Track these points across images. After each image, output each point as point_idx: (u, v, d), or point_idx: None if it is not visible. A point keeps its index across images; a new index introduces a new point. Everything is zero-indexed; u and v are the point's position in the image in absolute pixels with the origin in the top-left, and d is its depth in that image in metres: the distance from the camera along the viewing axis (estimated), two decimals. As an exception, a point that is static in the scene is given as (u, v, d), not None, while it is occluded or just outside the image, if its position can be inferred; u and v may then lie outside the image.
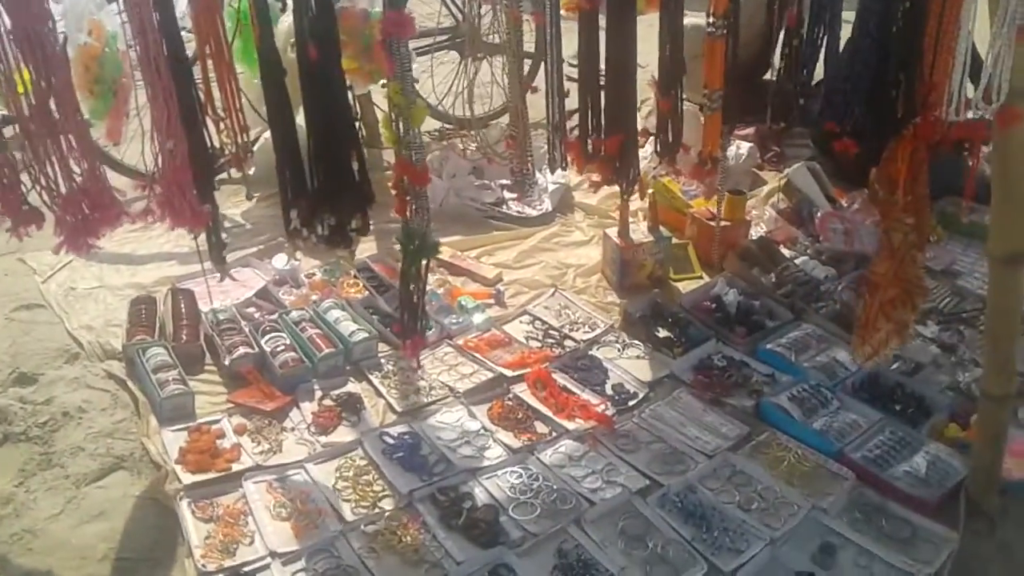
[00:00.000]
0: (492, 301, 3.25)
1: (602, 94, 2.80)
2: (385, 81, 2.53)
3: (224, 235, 2.71)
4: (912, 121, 2.13)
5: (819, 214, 3.58)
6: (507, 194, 3.95)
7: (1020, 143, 1.92)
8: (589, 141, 2.88)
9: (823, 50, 3.02)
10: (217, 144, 2.52)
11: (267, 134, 2.95)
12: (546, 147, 3.05)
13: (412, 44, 4.50)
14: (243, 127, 2.54)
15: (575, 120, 2.91)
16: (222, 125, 2.51)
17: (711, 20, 2.86)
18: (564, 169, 3.12)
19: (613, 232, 3.33)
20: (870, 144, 2.22)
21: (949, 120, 2.02)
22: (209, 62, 2.39)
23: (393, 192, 2.32)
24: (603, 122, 2.83)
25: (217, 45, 2.37)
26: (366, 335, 2.90)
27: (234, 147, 2.54)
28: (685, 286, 3.35)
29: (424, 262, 2.37)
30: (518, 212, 3.86)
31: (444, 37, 4.55)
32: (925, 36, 2.02)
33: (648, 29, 2.91)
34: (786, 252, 3.46)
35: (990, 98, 1.88)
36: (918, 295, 2.41)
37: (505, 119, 3.87)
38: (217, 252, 2.66)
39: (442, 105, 4.48)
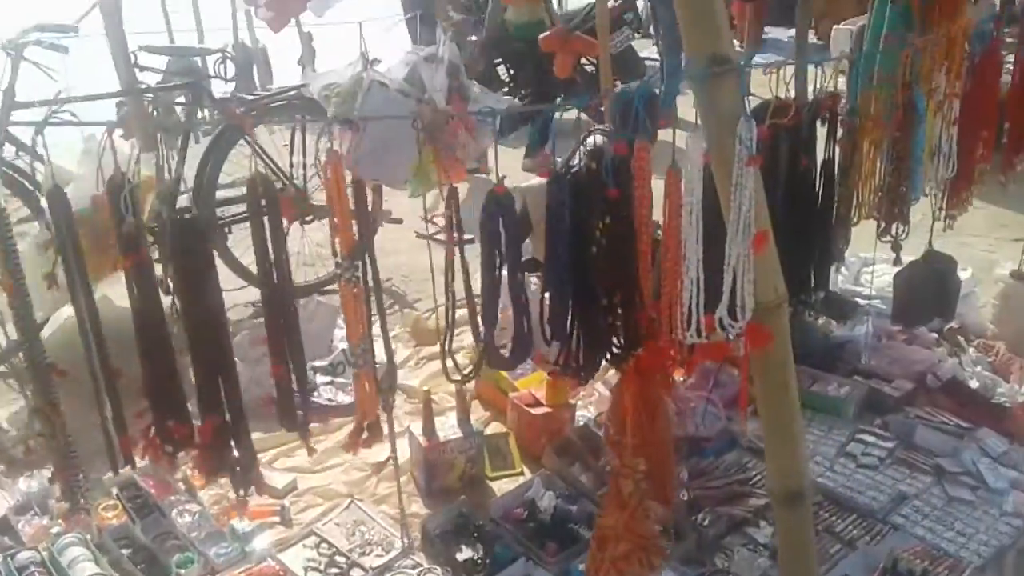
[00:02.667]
0: (277, 519, 2.82)
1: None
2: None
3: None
4: (633, 352, 1.86)
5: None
6: (320, 378, 3.57)
7: (778, 364, 1.67)
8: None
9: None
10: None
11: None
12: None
13: (233, 211, 4.28)
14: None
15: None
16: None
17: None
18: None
19: (417, 427, 2.97)
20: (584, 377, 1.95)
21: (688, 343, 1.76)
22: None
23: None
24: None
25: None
26: (103, 582, 2.42)
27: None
28: (504, 485, 2.99)
29: None
30: (328, 400, 3.48)
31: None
32: (638, 256, 1.78)
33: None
34: (614, 440, 3.14)
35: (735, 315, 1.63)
36: (654, 553, 2.09)
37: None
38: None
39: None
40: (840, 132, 2.32)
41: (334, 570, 2.61)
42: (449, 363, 2.07)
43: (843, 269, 4.00)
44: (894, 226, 2.60)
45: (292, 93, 3.86)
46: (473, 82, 2.90)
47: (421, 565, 2.62)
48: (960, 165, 2.57)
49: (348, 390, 3.49)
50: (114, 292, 4.30)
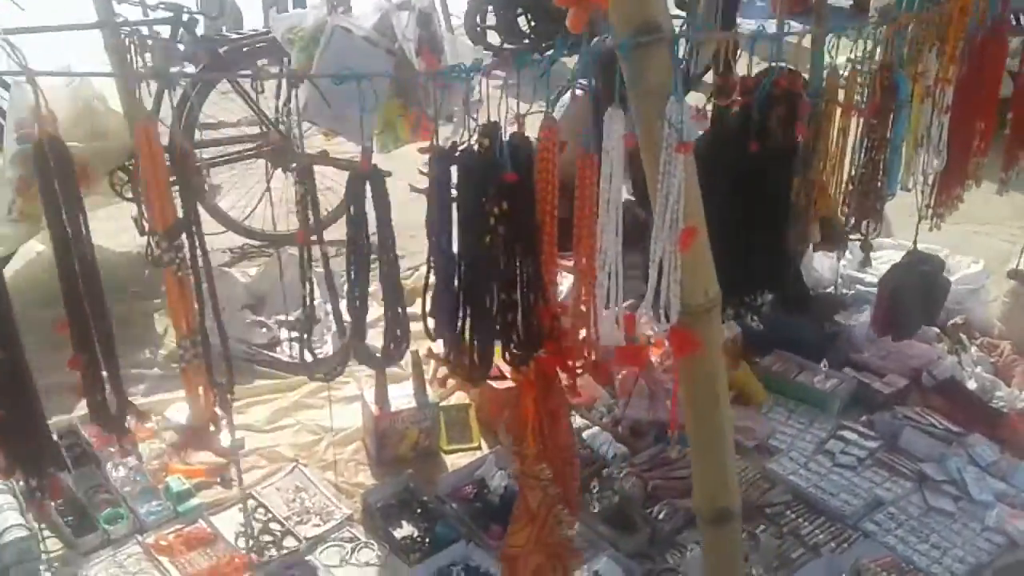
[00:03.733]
0: (216, 480, 2.72)
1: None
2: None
3: None
4: (532, 354, 1.67)
5: (619, 375, 3.13)
6: (285, 333, 3.45)
7: (707, 375, 1.50)
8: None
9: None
10: None
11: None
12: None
13: (214, 151, 4.14)
14: None
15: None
16: None
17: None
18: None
19: (371, 394, 2.83)
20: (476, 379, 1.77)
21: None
22: None
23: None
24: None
25: None
26: (24, 533, 2.34)
27: None
28: (460, 459, 2.86)
29: None
30: (291, 358, 3.35)
31: (251, 145, 4.10)
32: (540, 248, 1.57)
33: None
34: (580, 420, 2.98)
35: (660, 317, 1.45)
36: (569, 560, 1.93)
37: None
38: None
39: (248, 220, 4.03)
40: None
41: (267, 537, 2.50)
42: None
43: (848, 254, 3.76)
44: (864, 223, 2.31)
45: (270, 36, 3.67)
46: (453, 33, 2.71)
47: (357, 539, 2.51)
48: (952, 158, 2.30)
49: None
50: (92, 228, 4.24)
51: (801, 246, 2.15)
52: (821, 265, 3.66)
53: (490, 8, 7.79)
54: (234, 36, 3.80)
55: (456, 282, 1.59)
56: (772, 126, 1.86)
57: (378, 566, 2.43)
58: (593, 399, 3.09)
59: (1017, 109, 2.51)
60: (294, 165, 4.43)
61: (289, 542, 2.49)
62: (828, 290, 3.64)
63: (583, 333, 1.66)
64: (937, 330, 3.45)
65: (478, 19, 7.79)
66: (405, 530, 2.52)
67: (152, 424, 2.89)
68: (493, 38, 7.96)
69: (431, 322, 1.65)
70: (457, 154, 1.52)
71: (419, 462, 2.81)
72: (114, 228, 4.08)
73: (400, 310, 1.75)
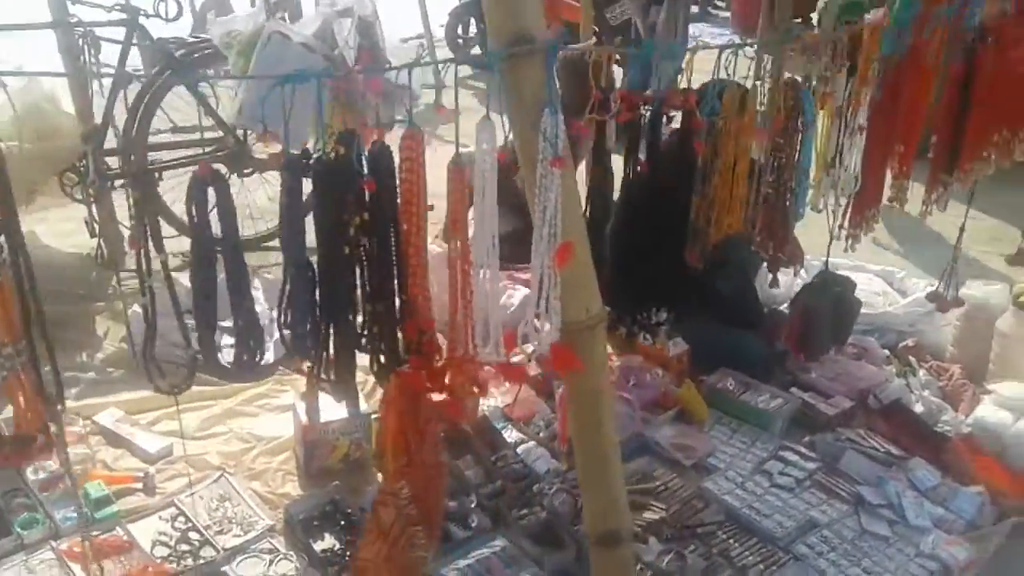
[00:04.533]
0: (139, 486, 2.67)
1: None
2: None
3: None
4: (395, 369, 1.63)
5: (559, 389, 3.08)
6: (226, 339, 3.39)
7: (590, 395, 1.46)
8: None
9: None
10: None
11: None
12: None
13: (170, 155, 4.10)
14: None
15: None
16: None
17: None
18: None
19: (303, 404, 2.78)
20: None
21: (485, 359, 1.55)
22: None
23: None
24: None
25: None
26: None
27: None
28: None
29: None
30: (228, 363, 3.29)
31: (209, 149, 4.07)
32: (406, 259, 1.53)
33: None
34: (516, 434, 2.94)
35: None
36: None
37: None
38: None
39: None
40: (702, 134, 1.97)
41: (184, 546, 2.46)
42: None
43: (803, 272, 3.73)
44: (771, 245, 2.24)
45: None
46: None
47: (277, 551, 2.46)
48: (866, 180, 2.24)
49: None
50: (43, 229, 4.21)
51: (699, 266, 2.10)
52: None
53: (472, 20, 7.81)
54: (190, 40, 3.77)
55: (316, 294, 1.55)
56: (665, 144, 1.82)
57: (295, 579, 2.38)
58: (532, 413, 3.04)
59: (940, 133, 2.47)
60: (249, 170, 4.41)
61: (207, 552, 2.44)
62: (783, 307, 3.60)
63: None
64: (887, 352, 3.42)
65: (459, 30, 7.80)
66: (326, 543, 2.48)
67: (79, 428, 2.84)
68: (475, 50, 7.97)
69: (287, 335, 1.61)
70: (311, 162, 1.48)
71: (349, 473, 2.76)
72: (69, 229, 4.06)
73: (252, 318, 1.68)
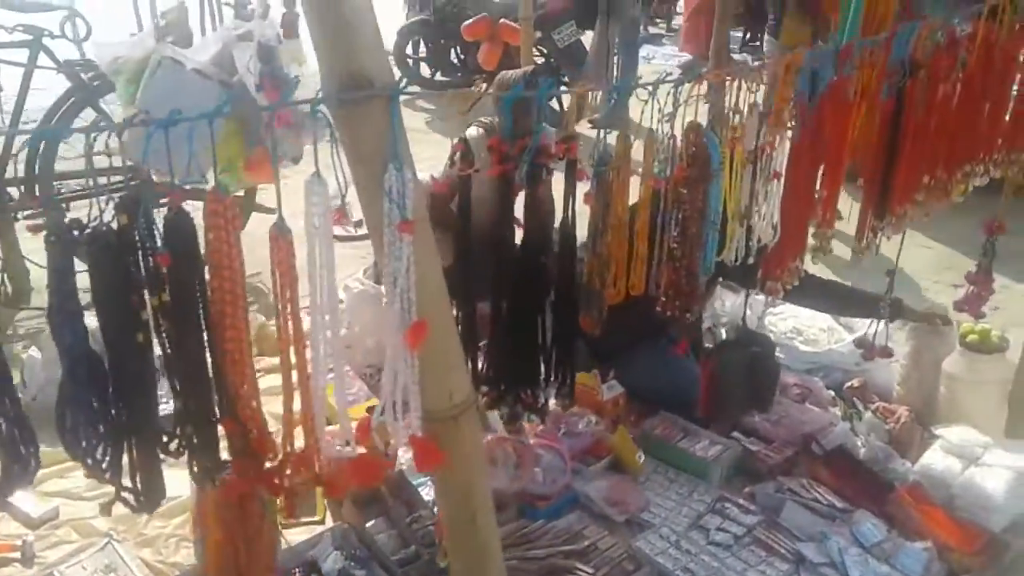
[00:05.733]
0: (16, 555, 2.42)
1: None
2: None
3: None
4: (217, 475, 1.43)
5: (487, 438, 2.88)
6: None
7: (461, 489, 1.27)
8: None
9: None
10: None
11: None
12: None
13: (73, 184, 3.86)
14: None
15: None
16: None
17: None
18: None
19: (201, 462, 2.55)
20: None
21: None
22: None
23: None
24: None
25: None
26: None
27: None
28: (300, 535, 2.59)
29: None
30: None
31: (118, 179, 3.82)
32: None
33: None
34: (437, 490, 2.73)
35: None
36: None
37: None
38: None
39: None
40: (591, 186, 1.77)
41: (58, 627, 2.22)
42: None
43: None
44: (678, 303, 2.01)
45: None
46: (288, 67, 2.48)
47: (161, 630, 2.23)
48: (785, 230, 2.07)
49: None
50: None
51: (597, 330, 1.90)
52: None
53: (421, 39, 7.64)
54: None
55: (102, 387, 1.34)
56: (541, 196, 1.63)
57: (179, 662, 2.15)
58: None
59: (868, 175, 2.31)
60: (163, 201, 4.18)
61: (82, 634, 2.21)
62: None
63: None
64: (832, 393, 3.27)
65: (408, 50, 7.63)
66: (216, 620, 2.25)
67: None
68: (424, 70, 7.82)
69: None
70: (83, 235, 1.25)
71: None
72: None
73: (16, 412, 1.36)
